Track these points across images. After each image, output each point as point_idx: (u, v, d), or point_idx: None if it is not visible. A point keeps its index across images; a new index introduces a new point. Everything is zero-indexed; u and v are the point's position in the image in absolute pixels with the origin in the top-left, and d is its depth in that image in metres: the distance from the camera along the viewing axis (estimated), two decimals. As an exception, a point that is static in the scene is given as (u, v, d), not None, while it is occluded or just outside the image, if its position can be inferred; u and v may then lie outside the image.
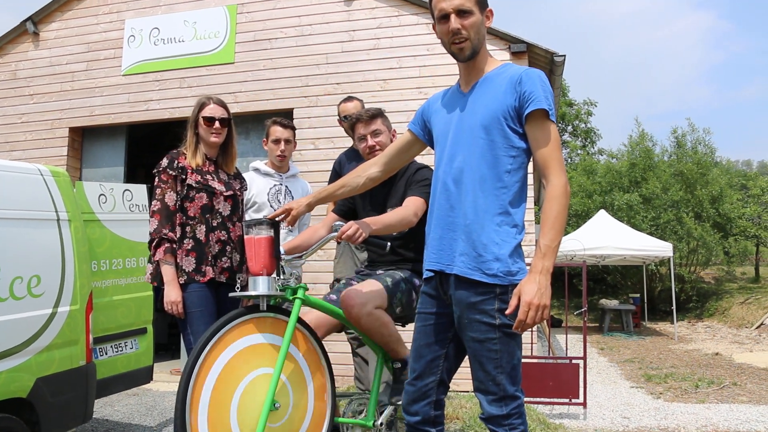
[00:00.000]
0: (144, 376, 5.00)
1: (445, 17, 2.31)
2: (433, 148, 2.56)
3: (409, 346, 3.03)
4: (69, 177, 4.16)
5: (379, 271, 3.22)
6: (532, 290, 2.09)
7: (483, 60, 2.40)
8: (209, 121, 3.50)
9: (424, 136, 2.63)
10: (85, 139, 9.19)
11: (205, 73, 8.40)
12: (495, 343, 2.23)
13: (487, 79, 2.36)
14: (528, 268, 2.24)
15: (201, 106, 3.55)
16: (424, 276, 2.47)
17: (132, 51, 8.76)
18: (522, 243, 2.32)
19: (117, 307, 4.73)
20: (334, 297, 3.13)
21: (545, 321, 10.79)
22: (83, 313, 4.01)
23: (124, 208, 4.89)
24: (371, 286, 2.97)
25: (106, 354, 4.60)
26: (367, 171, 2.79)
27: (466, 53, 2.33)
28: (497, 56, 6.21)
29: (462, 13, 2.28)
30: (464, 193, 2.30)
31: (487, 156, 2.27)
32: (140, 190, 5.10)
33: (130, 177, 8.96)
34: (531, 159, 2.36)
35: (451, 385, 2.51)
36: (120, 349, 4.75)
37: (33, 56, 9.26)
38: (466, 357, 2.40)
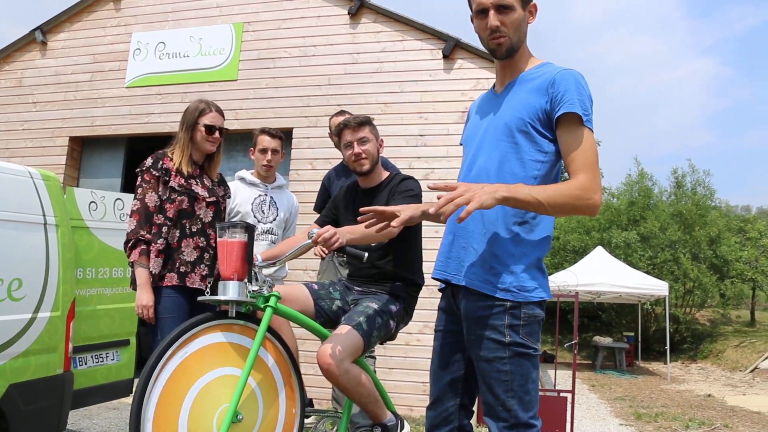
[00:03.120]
0: (124, 389, 4.91)
1: (483, 12, 2.09)
2: None
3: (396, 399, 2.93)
4: (59, 181, 4.14)
5: (352, 297, 3.09)
6: (478, 186, 1.87)
7: (522, 59, 2.17)
8: (210, 130, 3.44)
9: None
10: (84, 149, 9.22)
11: (207, 89, 8.42)
12: (505, 363, 2.00)
13: (522, 80, 2.15)
14: (548, 285, 2.06)
15: (201, 112, 3.45)
16: (439, 288, 2.30)
17: (137, 64, 8.83)
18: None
19: (100, 317, 4.67)
20: (315, 286, 3.05)
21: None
22: (64, 320, 3.96)
23: (115, 217, 4.86)
24: (346, 337, 2.71)
25: (86, 364, 4.53)
26: None
27: (504, 50, 2.11)
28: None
29: (502, 8, 2.06)
30: None
31: (510, 160, 2.07)
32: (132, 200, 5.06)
33: (128, 189, 8.93)
34: (560, 167, 2.16)
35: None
36: (101, 359, 4.68)
37: (39, 65, 9.34)
38: None
